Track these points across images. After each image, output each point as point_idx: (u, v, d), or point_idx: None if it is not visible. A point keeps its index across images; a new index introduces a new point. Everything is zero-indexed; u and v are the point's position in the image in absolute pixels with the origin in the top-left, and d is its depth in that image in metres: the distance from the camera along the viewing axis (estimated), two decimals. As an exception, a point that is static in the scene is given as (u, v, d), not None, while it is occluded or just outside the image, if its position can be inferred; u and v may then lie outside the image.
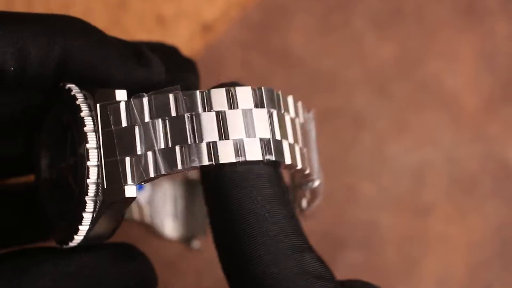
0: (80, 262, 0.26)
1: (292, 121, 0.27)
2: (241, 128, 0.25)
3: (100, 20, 0.46)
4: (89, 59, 0.26)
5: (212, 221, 0.25)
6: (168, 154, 0.25)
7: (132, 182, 0.25)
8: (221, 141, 0.25)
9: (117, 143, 0.25)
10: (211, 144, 0.25)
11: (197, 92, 0.25)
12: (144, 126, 0.25)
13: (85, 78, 0.26)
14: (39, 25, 0.26)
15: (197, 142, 0.25)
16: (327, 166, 0.46)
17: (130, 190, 0.25)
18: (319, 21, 0.48)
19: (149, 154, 0.25)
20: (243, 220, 0.24)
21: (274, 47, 0.48)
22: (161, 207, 0.38)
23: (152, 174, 0.25)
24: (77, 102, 0.25)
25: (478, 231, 0.45)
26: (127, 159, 0.25)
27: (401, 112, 0.47)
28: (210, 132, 0.25)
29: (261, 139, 0.25)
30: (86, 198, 0.25)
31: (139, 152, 0.25)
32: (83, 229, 0.25)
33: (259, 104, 0.26)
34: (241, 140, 0.25)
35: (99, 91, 0.25)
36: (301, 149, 0.27)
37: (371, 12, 0.48)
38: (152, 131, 0.25)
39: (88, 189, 0.25)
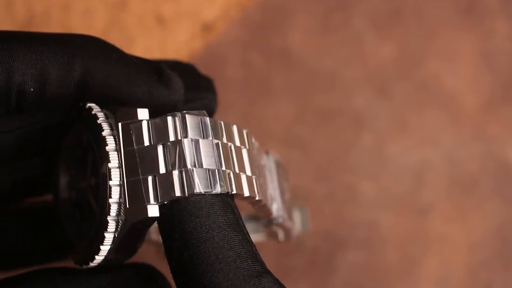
0: (100, 285, 0.26)
1: (239, 151, 0.27)
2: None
3: (100, 20, 0.46)
4: (109, 78, 0.26)
5: (167, 250, 0.25)
6: (201, 175, 0.25)
7: (154, 201, 0.24)
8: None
9: (139, 162, 0.25)
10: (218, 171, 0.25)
11: (221, 122, 0.25)
12: (168, 146, 0.25)
13: (105, 97, 0.26)
14: (59, 45, 0.26)
15: (224, 168, 0.25)
16: (327, 166, 0.46)
17: (152, 210, 0.24)
18: (319, 21, 0.48)
19: (175, 173, 0.25)
20: (200, 248, 0.24)
21: (274, 47, 0.48)
22: None
23: (178, 194, 0.24)
24: (98, 121, 0.25)
25: (478, 231, 0.45)
26: (150, 178, 0.25)
27: (401, 112, 0.47)
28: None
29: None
30: (108, 218, 0.25)
31: (162, 171, 0.25)
32: (105, 249, 0.25)
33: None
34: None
35: (120, 110, 0.25)
36: (256, 180, 0.27)
37: (371, 12, 0.48)
38: (177, 151, 0.25)
39: (110, 208, 0.25)
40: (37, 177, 0.29)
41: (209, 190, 0.25)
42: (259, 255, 0.25)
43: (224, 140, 0.26)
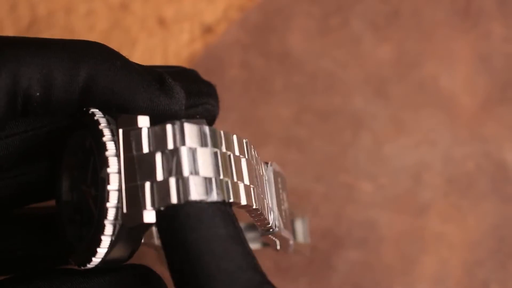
0: (98, 285, 0.27)
1: (239, 161, 0.27)
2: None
3: (102, 22, 0.46)
4: (112, 85, 0.26)
5: (169, 262, 0.25)
6: (198, 182, 0.25)
7: (151, 207, 0.25)
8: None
9: (138, 169, 0.25)
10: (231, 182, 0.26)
11: (221, 132, 0.26)
12: (166, 154, 0.25)
13: (109, 102, 0.27)
14: (64, 50, 0.26)
15: (222, 176, 0.25)
16: (326, 166, 0.47)
17: (149, 216, 0.25)
18: (318, 23, 0.48)
19: (172, 180, 0.25)
20: (201, 260, 0.25)
21: (274, 49, 0.48)
22: None
23: (174, 201, 0.25)
24: (100, 127, 0.26)
25: (475, 230, 0.46)
26: (147, 184, 0.25)
27: (398, 113, 0.47)
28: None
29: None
30: (105, 222, 0.25)
31: (159, 178, 0.25)
32: (102, 251, 0.26)
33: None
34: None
35: (122, 117, 0.26)
36: (254, 189, 0.27)
37: (369, 13, 0.48)
38: (176, 158, 0.25)
39: (107, 213, 0.25)
40: (42, 181, 0.29)
41: (205, 197, 0.25)
42: (259, 267, 0.25)
43: (223, 149, 0.26)
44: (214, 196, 0.25)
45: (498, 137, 0.47)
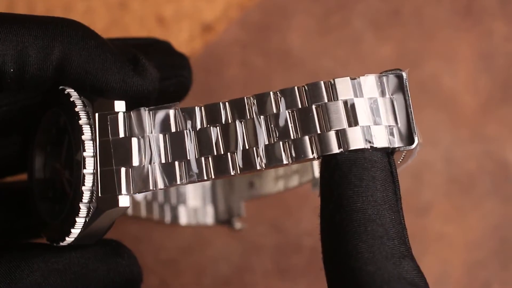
0: (69, 259, 0.27)
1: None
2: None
3: (100, 20, 0.46)
4: (86, 64, 0.27)
5: (322, 209, 0.26)
6: (167, 169, 0.25)
7: (126, 192, 0.25)
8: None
9: (113, 153, 0.25)
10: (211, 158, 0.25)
11: (196, 107, 0.26)
12: (143, 139, 0.25)
13: (81, 82, 0.27)
14: (39, 28, 0.26)
15: (197, 156, 0.25)
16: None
17: (123, 200, 0.25)
18: (318, 21, 0.48)
19: (148, 167, 0.25)
20: (352, 216, 0.25)
21: (274, 47, 0.48)
22: (193, 196, 0.38)
23: (151, 187, 0.25)
24: (76, 109, 0.26)
25: (477, 230, 0.46)
26: (123, 170, 0.25)
27: (399, 112, 0.47)
28: (209, 146, 0.26)
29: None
30: (80, 204, 0.25)
31: (135, 164, 0.25)
32: (75, 232, 0.26)
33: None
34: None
35: (98, 101, 0.26)
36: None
37: (370, 12, 0.48)
38: (151, 145, 0.25)
39: (83, 196, 0.25)
40: (15, 156, 0.29)
41: (179, 182, 0.25)
42: (407, 239, 0.26)
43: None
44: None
45: (499, 137, 0.47)
